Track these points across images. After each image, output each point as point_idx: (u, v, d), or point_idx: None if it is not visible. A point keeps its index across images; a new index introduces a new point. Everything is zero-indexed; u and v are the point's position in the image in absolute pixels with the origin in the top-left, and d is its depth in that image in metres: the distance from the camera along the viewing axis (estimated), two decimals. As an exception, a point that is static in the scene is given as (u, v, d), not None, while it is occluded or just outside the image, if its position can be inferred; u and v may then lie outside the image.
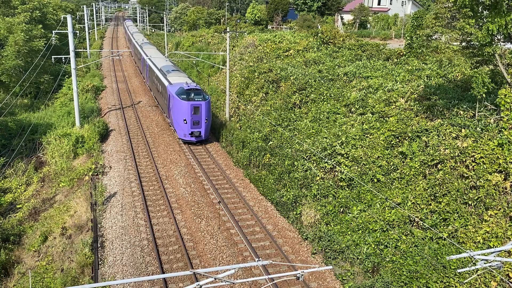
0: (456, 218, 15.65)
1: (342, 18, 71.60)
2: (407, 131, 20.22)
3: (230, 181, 24.77)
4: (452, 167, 17.06)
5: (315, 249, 18.29)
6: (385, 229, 17.30)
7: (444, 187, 16.62)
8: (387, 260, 16.21)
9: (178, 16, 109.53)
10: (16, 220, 22.16)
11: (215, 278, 7.72)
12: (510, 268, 13.52)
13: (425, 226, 16.10)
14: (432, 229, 15.71)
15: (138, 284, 16.01)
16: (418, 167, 18.20)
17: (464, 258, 14.23)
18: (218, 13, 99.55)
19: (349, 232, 18.16)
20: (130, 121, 36.47)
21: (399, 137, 20.41)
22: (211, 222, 20.37)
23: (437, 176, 17.18)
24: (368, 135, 21.84)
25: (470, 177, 16.11)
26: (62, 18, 52.86)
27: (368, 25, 74.31)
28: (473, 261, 8.45)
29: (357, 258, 16.95)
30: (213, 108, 38.19)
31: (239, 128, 32.15)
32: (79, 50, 48.13)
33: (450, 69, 27.41)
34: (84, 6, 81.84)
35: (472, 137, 17.41)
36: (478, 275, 13.86)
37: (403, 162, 19.25)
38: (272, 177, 23.85)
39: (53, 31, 37.47)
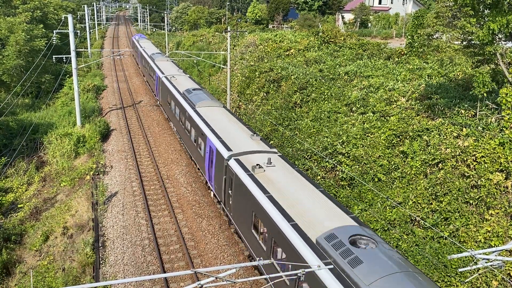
0: (457, 217, 15.64)
1: (343, 17, 71.59)
2: (408, 130, 20.20)
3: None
4: (453, 166, 17.04)
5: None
6: (386, 229, 17.29)
7: (445, 186, 16.61)
8: (388, 259, 16.20)
9: (179, 16, 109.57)
10: (18, 220, 22.20)
11: (216, 277, 7.73)
12: (511, 267, 13.51)
13: (426, 225, 16.09)
14: (433, 228, 15.69)
15: (139, 284, 16.02)
16: (419, 166, 18.19)
17: (465, 257, 14.22)
18: (219, 13, 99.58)
19: (350, 232, 18.16)
20: (131, 120, 36.48)
21: (400, 136, 20.39)
22: (212, 221, 20.38)
23: (438, 175, 17.16)
24: (369, 135, 21.83)
25: (471, 176, 16.10)
26: (63, 18, 52.90)
27: (369, 24, 74.27)
28: (474, 260, 8.44)
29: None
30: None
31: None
32: (80, 49, 48.09)
33: (451, 68, 27.37)
34: (85, 5, 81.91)
35: (473, 136, 17.39)
36: (479, 274, 13.85)
37: (404, 161, 19.23)
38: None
39: (54, 31, 37.50)
